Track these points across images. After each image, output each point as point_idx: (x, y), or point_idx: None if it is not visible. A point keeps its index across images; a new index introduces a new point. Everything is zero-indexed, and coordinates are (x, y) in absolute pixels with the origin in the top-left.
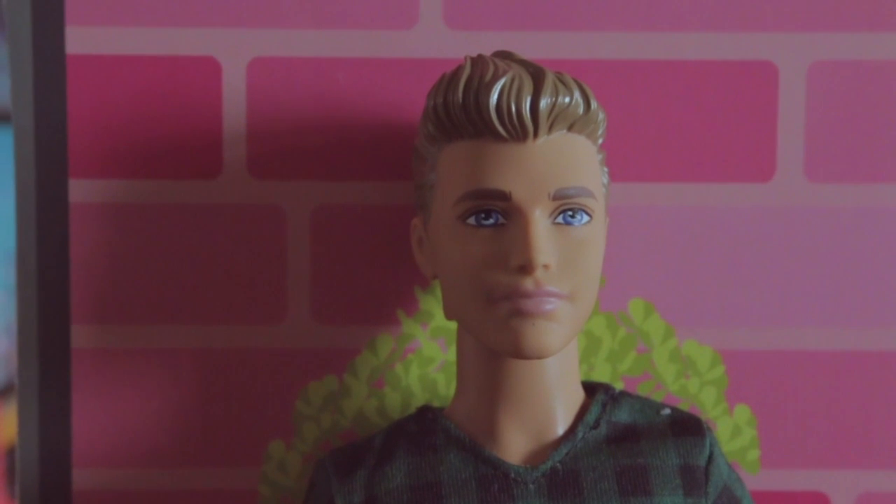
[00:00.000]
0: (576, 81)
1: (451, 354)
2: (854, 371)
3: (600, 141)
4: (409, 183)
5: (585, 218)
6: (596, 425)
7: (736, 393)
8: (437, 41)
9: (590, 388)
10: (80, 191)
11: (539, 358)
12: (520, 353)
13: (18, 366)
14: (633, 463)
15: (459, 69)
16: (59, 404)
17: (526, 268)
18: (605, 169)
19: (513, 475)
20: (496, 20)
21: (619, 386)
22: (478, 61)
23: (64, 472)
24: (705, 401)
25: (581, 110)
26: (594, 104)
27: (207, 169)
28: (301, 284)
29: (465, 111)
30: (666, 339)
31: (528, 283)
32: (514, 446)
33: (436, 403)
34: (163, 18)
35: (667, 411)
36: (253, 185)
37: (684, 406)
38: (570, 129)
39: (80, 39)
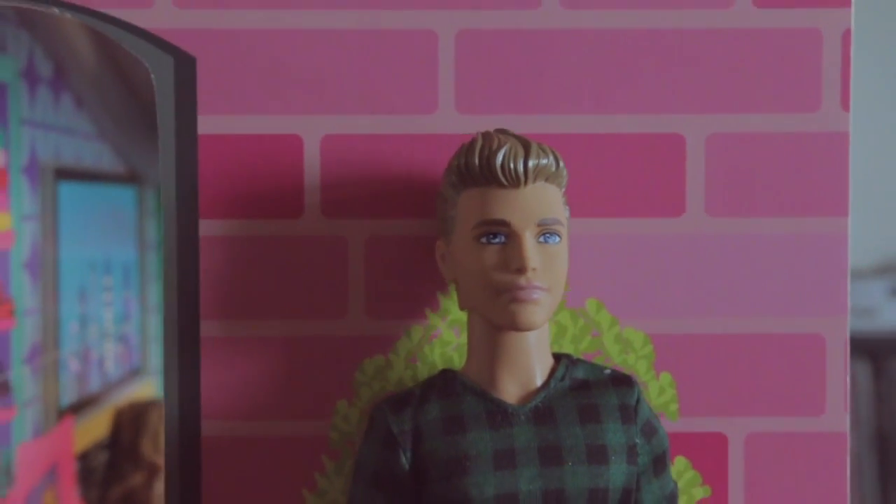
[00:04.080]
0: (550, 149)
1: (464, 338)
2: (742, 348)
3: (563, 189)
4: (433, 219)
5: (557, 238)
6: (562, 379)
7: (661, 364)
8: (451, 122)
9: (556, 356)
10: (208, 227)
11: (528, 330)
12: (516, 327)
13: (165, 350)
14: (588, 402)
15: (474, 141)
16: (192, 376)
17: (521, 270)
18: (567, 207)
19: (510, 410)
20: (491, 108)
21: None
22: (486, 135)
23: (195, 422)
24: (640, 369)
25: (553, 168)
26: (561, 164)
27: (294, 212)
28: (357, 292)
29: (480, 169)
30: (612, 327)
31: (522, 280)
32: (509, 392)
33: None
34: (265, 108)
35: (608, 371)
36: (325, 222)
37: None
38: (546, 180)
39: (208, 124)
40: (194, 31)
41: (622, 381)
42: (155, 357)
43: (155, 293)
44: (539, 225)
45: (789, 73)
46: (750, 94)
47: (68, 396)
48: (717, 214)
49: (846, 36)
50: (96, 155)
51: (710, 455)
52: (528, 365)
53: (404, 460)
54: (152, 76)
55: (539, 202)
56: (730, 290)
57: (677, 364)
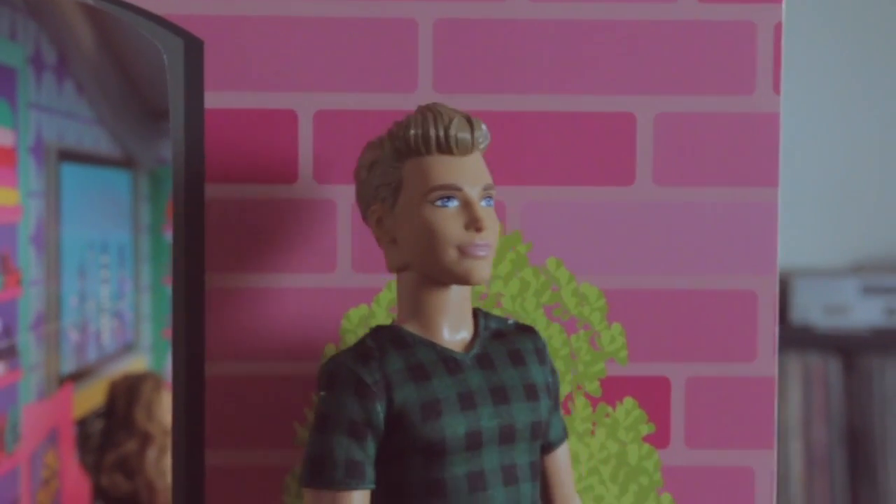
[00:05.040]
0: (481, 121)
1: None
2: (685, 301)
3: None
4: None
5: (492, 201)
6: (486, 329)
7: (613, 315)
8: (429, 100)
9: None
10: (213, 191)
11: (480, 283)
12: (470, 281)
13: (174, 299)
14: (513, 348)
15: (423, 115)
16: (198, 323)
17: (479, 229)
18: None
19: (458, 357)
20: (464, 88)
21: (540, 312)
22: (432, 109)
23: (200, 363)
24: (594, 320)
25: (487, 139)
26: (489, 135)
27: (289, 178)
28: (345, 249)
29: (437, 140)
30: (569, 282)
31: (478, 239)
32: (450, 342)
33: None
34: (264, 86)
35: (512, 321)
36: (316, 187)
37: (580, 325)
38: (481, 149)
39: (214, 99)
40: (202, 16)
41: (528, 329)
42: (147, 334)
43: (147, 274)
44: (483, 189)
45: (728, 60)
46: (693, 78)
47: (68, 365)
48: (664, 184)
49: (777, 28)
50: (95, 139)
51: (655, 396)
52: (462, 317)
53: (380, 408)
54: (164, 56)
55: (481, 169)
56: (674, 250)
57: (627, 315)
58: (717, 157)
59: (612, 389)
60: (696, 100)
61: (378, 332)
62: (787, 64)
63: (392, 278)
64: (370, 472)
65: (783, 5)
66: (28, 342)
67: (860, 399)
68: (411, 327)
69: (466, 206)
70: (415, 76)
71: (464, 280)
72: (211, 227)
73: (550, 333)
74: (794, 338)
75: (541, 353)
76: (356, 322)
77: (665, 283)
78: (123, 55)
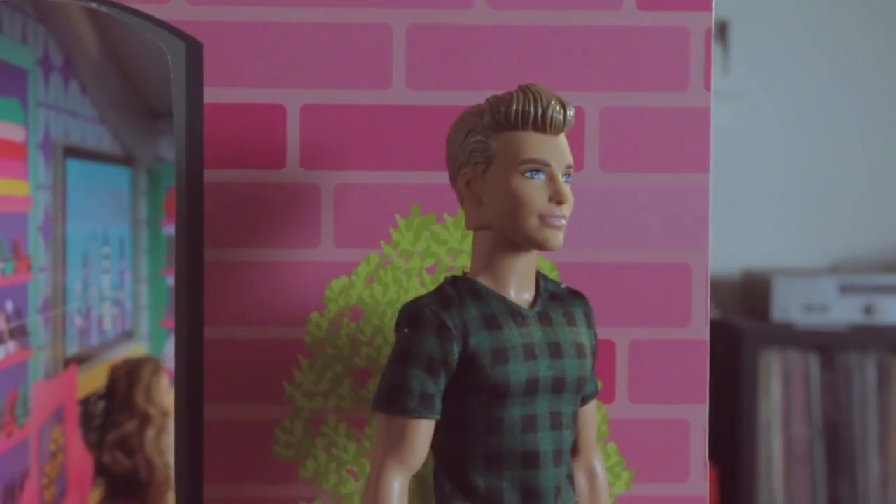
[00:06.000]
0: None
1: (411, 264)
2: (628, 274)
3: None
4: (392, 171)
5: (570, 178)
6: (545, 290)
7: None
8: (402, 96)
9: None
10: (211, 176)
11: (555, 249)
12: (547, 247)
13: (176, 272)
14: (567, 310)
15: (524, 93)
16: (197, 293)
17: (561, 202)
18: None
19: (524, 312)
20: (433, 85)
21: None
22: (533, 90)
23: (199, 329)
24: None
25: (573, 123)
26: (574, 118)
27: (279, 164)
28: (328, 227)
29: (534, 117)
30: None
31: (558, 210)
32: (518, 298)
33: (403, 294)
34: (257, 83)
35: (564, 286)
36: (303, 173)
37: None
38: (566, 132)
39: (212, 95)
40: (202, 22)
41: (580, 295)
42: (145, 323)
43: (146, 265)
44: (567, 167)
45: (664, 61)
46: (634, 76)
47: (73, 348)
48: (609, 170)
49: (707, 33)
50: (98, 137)
51: (602, 356)
52: (529, 278)
53: (456, 349)
54: (168, 57)
55: (566, 149)
56: (619, 228)
57: (577, 286)
58: (656, 146)
59: None
60: (637, 96)
61: (456, 281)
62: (768, 68)
63: (369, 253)
64: (439, 405)
65: (712, 14)
66: (37, 324)
67: (839, 395)
68: (485, 280)
69: (551, 180)
70: (389, 75)
71: (541, 245)
72: (209, 208)
73: None
74: (775, 335)
75: (588, 317)
76: (337, 292)
77: (611, 257)
78: (124, 59)
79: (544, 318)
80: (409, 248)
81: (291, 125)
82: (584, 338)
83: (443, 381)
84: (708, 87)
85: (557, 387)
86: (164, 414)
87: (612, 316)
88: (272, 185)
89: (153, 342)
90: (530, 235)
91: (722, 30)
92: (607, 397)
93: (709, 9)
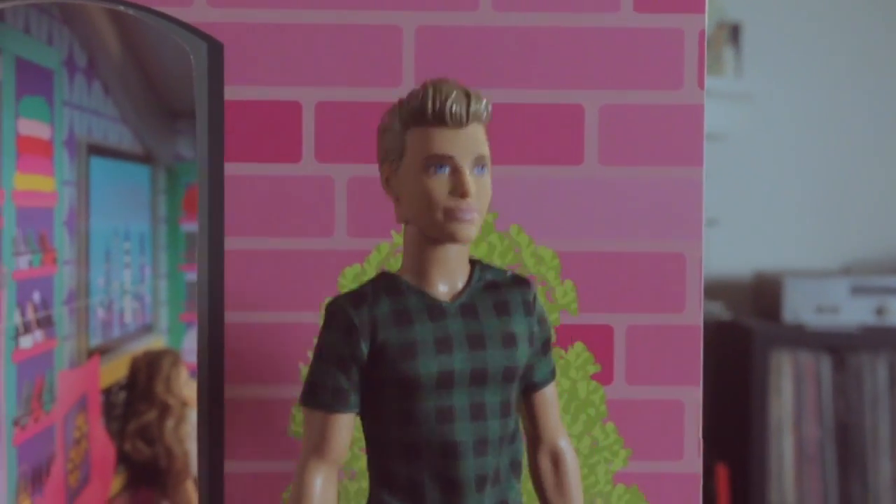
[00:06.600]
0: (484, 95)
1: None
2: (626, 261)
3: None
4: None
5: (485, 170)
6: (479, 281)
7: (565, 273)
8: None
9: (471, 261)
10: (232, 169)
11: (464, 242)
12: (455, 240)
13: (198, 259)
14: (500, 300)
15: (426, 88)
16: (218, 277)
17: (464, 195)
18: (487, 142)
19: (443, 306)
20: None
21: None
22: (436, 84)
23: (220, 310)
24: (549, 277)
25: (485, 112)
26: (490, 108)
27: (295, 157)
28: (341, 217)
29: (433, 112)
30: (529, 245)
31: (463, 204)
32: (440, 291)
33: None
34: (274, 81)
35: (510, 273)
36: (317, 165)
37: (538, 281)
38: (478, 122)
39: (232, 93)
40: (223, 23)
41: (522, 282)
42: (164, 317)
43: (164, 262)
44: (475, 159)
45: (660, 61)
46: (632, 75)
47: (95, 339)
48: (608, 164)
49: (701, 34)
50: (119, 136)
51: (600, 341)
52: (454, 269)
53: (364, 346)
54: (191, 56)
55: (474, 141)
56: (616, 219)
57: (577, 273)
58: (652, 141)
59: (565, 335)
60: (634, 93)
61: (379, 277)
62: (780, 70)
63: (380, 242)
64: (354, 399)
65: (706, 16)
66: (62, 315)
67: (850, 396)
68: (408, 276)
69: (455, 173)
70: (399, 73)
71: (449, 239)
72: (230, 198)
73: None
74: (786, 336)
75: (528, 304)
76: (350, 278)
77: (609, 246)
78: (145, 60)
79: (468, 310)
80: None
81: (307, 121)
82: (517, 326)
83: (355, 377)
84: (701, 86)
85: (477, 378)
86: (183, 404)
87: (610, 302)
88: (289, 178)
89: (172, 336)
90: (439, 230)
91: (734, 32)
92: (606, 379)
93: (702, 11)
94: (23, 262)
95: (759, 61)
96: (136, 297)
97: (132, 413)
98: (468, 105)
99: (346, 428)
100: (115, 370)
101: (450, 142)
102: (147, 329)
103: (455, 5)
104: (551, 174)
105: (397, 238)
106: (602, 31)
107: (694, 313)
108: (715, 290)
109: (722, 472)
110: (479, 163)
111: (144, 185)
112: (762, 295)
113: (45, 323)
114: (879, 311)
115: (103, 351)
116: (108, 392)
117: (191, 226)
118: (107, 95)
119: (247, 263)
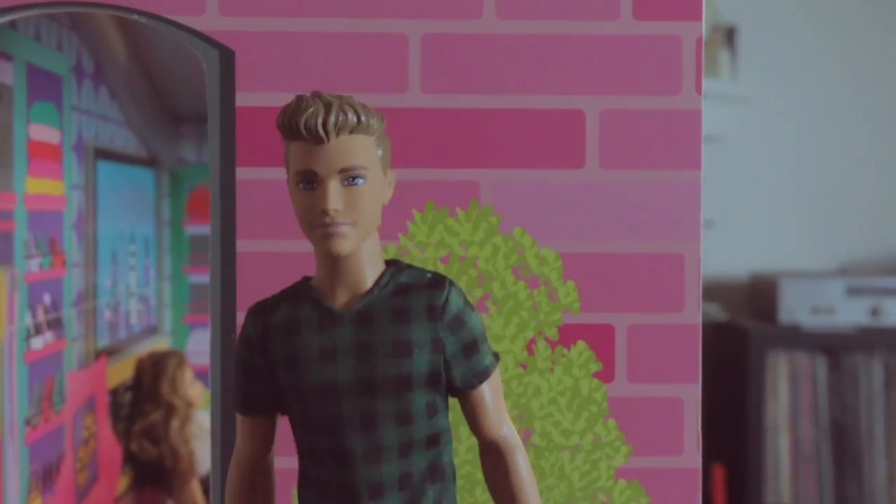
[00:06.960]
0: (358, 106)
1: (427, 254)
2: (626, 263)
3: (376, 135)
4: (403, 169)
5: (360, 181)
6: (385, 285)
7: (568, 274)
8: (418, 99)
9: (387, 262)
10: (243, 173)
11: (339, 256)
12: (329, 254)
13: (210, 261)
14: (402, 305)
15: (289, 103)
16: (230, 279)
17: (324, 212)
18: (381, 149)
19: (337, 315)
20: (447, 89)
21: (509, 272)
22: (299, 99)
23: (232, 305)
24: (552, 278)
25: (356, 122)
26: (364, 117)
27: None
28: None
29: (291, 128)
30: (532, 247)
31: (327, 219)
32: (340, 300)
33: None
34: (284, 87)
35: (429, 275)
36: None
37: (541, 282)
38: (350, 132)
39: (243, 99)
40: (234, 32)
41: (435, 284)
42: (168, 320)
43: (168, 264)
44: (341, 172)
45: (659, 67)
46: (631, 81)
47: (103, 340)
48: (608, 167)
49: (699, 41)
50: (125, 140)
51: (602, 340)
52: (355, 277)
53: (258, 356)
54: (203, 64)
55: (341, 153)
56: (617, 221)
57: (579, 274)
58: (651, 145)
59: (568, 335)
60: (633, 99)
61: (296, 283)
62: (776, 72)
63: (388, 243)
64: (261, 405)
65: (703, 23)
66: (71, 316)
67: (846, 396)
68: (316, 282)
69: (321, 188)
70: (405, 80)
71: (326, 252)
72: (241, 202)
73: (517, 289)
74: (782, 337)
75: (434, 309)
76: None
77: (610, 247)
78: (151, 66)
79: (363, 318)
80: (424, 239)
81: None
82: (416, 333)
83: (262, 383)
84: (699, 91)
85: (365, 388)
86: (188, 404)
87: (611, 302)
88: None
89: (176, 337)
90: (316, 244)
91: (730, 34)
92: (607, 377)
93: (699, 18)
94: (34, 264)
95: (755, 64)
96: (142, 299)
97: (138, 413)
98: (326, 119)
99: (260, 428)
100: (121, 371)
101: (313, 157)
102: (152, 330)
103: (460, 14)
104: (553, 178)
105: (404, 240)
106: (602, 38)
107: (693, 313)
108: (711, 291)
109: (718, 472)
110: (347, 175)
111: (149, 189)
112: (758, 296)
113: (55, 324)
114: (875, 312)
115: (110, 352)
116: (114, 393)
117: (194, 229)
118: (113, 100)
119: (258, 265)
